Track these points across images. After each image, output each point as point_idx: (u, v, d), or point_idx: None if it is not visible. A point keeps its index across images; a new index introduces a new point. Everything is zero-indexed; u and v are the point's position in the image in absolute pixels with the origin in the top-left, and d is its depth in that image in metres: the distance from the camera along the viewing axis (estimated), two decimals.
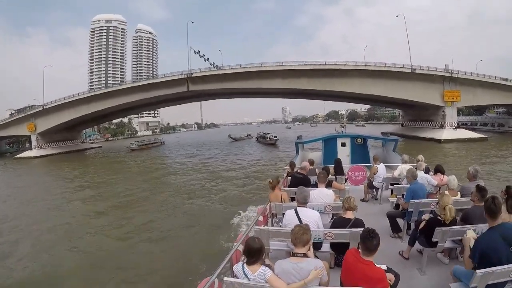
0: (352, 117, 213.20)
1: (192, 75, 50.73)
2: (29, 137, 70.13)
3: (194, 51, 53.18)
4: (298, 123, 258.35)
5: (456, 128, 47.45)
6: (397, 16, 54.95)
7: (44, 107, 65.57)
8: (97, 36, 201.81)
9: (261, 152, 43.96)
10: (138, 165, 38.62)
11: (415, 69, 46.17)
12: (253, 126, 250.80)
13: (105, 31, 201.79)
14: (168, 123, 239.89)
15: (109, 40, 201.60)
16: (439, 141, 43.56)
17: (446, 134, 45.11)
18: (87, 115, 63.72)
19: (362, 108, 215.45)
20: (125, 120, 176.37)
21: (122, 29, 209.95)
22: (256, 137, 70.39)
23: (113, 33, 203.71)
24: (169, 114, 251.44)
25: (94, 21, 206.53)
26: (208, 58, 52.63)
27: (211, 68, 50.88)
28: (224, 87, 51.55)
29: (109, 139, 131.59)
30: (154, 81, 55.52)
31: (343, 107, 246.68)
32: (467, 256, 3.65)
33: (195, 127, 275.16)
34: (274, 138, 54.80)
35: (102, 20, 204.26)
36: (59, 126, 67.04)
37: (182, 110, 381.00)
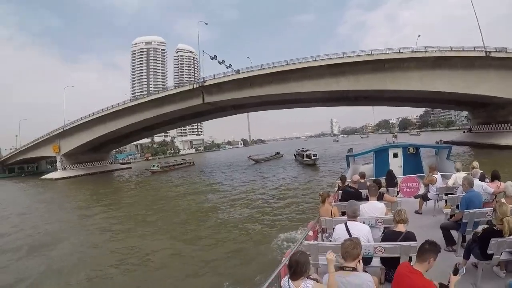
0: (404, 125, 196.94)
1: (205, 83, 41.64)
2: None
3: (210, 56, 44.07)
4: (342, 135, 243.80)
5: None
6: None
7: (64, 129, 62.24)
8: (137, 58, 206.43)
9: (291, 178, 30.05)
10: (141, 193, 30.01)
11: (489, 52, 32.82)
12: (300, 141, 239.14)
13: (145, 52, 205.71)
14: (213, 141, 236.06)
15: (150, 61, 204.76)
16: None
17: None
18: (105, 135, 57.94)
19: (414, 115, 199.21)
20: (168, 139, 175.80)
21: (162, 49, 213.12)
22: (294, 154, 55.29)
23: (153, 54, 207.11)
24: (215, 132, 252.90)
25: (134, 44, 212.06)
26: (230, 65, 42.60)
27: (227, 72, 41.19)
28: (245, 96, 41.49)
29: (149, 158, 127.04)
30: (164, 94, 47.49)
31: (394, 115, 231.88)
32: None
33: (241, 144, 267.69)
34: (313, 157, 40.89)
35: (142, 42, 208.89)
36: (81, 147, 63.16)
37: (229, 127, 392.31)
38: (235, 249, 11.42)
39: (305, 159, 41.87)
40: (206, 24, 52.80)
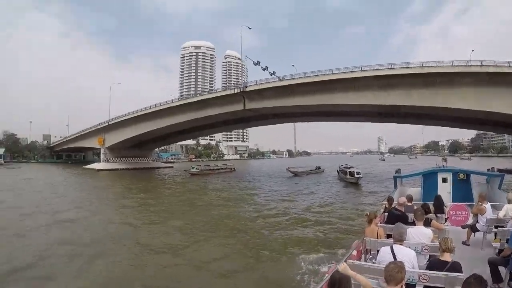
0: (454, 148, 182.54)
1: (247, 89, 40.22)
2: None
3: (254, 62, 43.09)
4: (388, 154, 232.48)
5: None
6: None
7: (109, 123, 64.48)
8: (187, 61, 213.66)
9: (329, 196, 27.07)
10: (174, 194, 29.37)
11: None
12: (346, 156, 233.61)
13: (194, 56, 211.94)
14: (257, 149, 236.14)
15: (198, 64, 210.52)
16: None
17: None
18: (147, 133, 58.90)
19: (465, 138, 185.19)
20: (213, 142, 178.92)
21: (211, 55, 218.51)
22: (337, 170, 50.72)
23: (202, 58, 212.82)
24: (261, 139, 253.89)
25: (184, 47, 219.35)
26: (274, 72, 41.24)
27: (269, 79, 39.58)
28: (286, 105, 39.33)
29: (193, 160, 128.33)
30: (206, 97, 46.76)
31: (444, 137, 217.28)
32: None
33: (286, 154, 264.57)
34: (356, 175, 37.21)
35: (192, 47, 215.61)
36: (124, 142, 64.98)
37: (275, 136, 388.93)
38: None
39: (348, 176, 38.33)
40: (250, 28, 50.58)
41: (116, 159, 69.68)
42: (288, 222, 16.37)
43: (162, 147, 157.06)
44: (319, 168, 58.94)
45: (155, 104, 53.95)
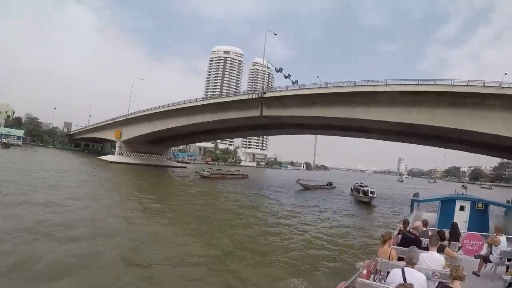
0: (475, 175, 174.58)
1: (265, 95, 38.46)
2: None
3: (276, 68, 41.55)
4: (406, 176, 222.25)
5: None
6: None
7: (127, 117, 64.49)
8: (215, 65, 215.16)
9: (336, 215, 24.44)
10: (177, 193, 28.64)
11: None
12: (364, 175, 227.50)
13: (223, 60, 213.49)
14: (275, 158, 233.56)
15: (226, 69, 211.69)
16: None
17: None
18: (164, 131, 58.30)
19: (487, 166, 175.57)
20: (231, 147, 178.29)
21: (239, 61, 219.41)
22: (351, 188, 46.84)
23: (230, 63, 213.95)
24: (281, 149, 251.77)
25: (213, 51, 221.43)
26: (296, 81, 39.33)
27: (289, 87, 37.49)
28: (305, 115, 36.99)
29: (209, 162, 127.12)
30: (223, 100, 45.54)
31: (465, 163, 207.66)
32: None
33: (303, 166, 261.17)
34: (370, 194, 34.77)
35: (221, 51, 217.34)
36: (140, 137, 64.75)
37: (294, 147, 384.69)
38: None
39: (361, 195, 35.86)
40: (276, 34, 48.98)
41: (131, 153, 69.72)
42: (280, 245, 13.75)
43: (181, 147, 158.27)
44: (331, 184, 55.83)
45: (173, 103, 53.22)
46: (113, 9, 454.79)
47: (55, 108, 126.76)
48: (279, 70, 40.98)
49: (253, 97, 39.80)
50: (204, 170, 54.15)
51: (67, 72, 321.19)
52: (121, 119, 66.63)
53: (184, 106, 50.71)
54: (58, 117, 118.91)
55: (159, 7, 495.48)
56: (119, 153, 69.01)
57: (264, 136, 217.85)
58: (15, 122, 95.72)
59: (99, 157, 72.08)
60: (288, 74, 38.72)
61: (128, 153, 69.43)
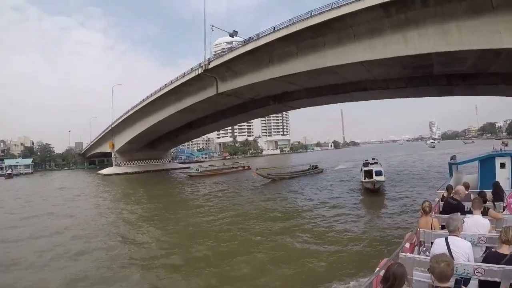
0: None
1: (210, 65, 28.24)
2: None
3: (229, 33, 30.44)
4: (432, 141, 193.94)
5: None
6: None
7: (113, 125, 57.81)
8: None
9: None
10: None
11: None
12: (396, 145, 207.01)
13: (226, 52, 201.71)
14: (299, 142, 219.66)
15: None
16: None
17: None
18: (145, 132, 50.47)
19: None
20: (251, 138, 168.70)
21: None
22: (361, 168, 25.57)
23: None
24: (309, 132, 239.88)
25: (216, 45, 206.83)
26: (236, 32, 28.89)
27: (233, 47, 27.14)
28: (264, 78, 25.96)
29: (227, 157, 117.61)
30: (168, 89, 37.02)
31: (501, 117, 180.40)
32: None
33: (331, 146, 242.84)
34: (375, 177, 20.99)
35: (223, 43, 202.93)
36: (132, 145, 57.76)
37: (324, 128, 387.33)
38: None
39: (363, 179, 22.15)
40: None
41: (127, 162, 62.67)
42: None
43: (200, 146, 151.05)
44: (316, 167, 40.57)
45: (140, 101, 45.12)
46: (119, 27, 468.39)
47: (69, 131, 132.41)
48: (233, 34, 29.98)
49: (199, 72, 29.48)
50: (192, 169, 47.14)
51: (80, 96, 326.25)
52: (109, 128, 59.83)
53: (148, 101, 42.58)
54: (74, 137, 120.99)
55: (162, 11, 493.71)
56: (116, 164, 62.68)
57: (284, 121, 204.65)
58: (26, 152, 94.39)
59: (98, 172, 66.09)
60: (234, 31, 27.43)
61: (124, 162, 62.52)
